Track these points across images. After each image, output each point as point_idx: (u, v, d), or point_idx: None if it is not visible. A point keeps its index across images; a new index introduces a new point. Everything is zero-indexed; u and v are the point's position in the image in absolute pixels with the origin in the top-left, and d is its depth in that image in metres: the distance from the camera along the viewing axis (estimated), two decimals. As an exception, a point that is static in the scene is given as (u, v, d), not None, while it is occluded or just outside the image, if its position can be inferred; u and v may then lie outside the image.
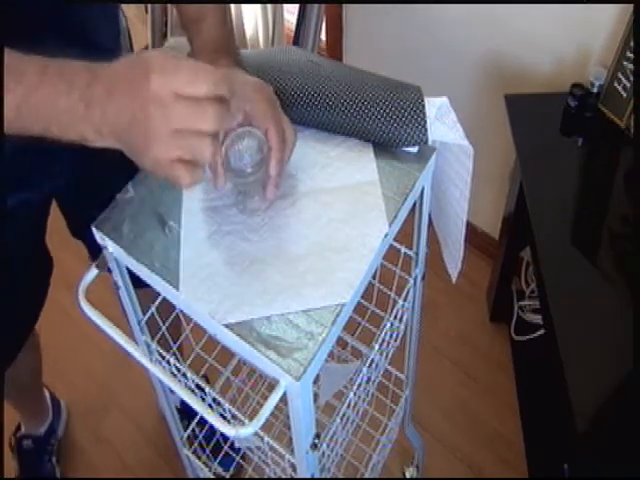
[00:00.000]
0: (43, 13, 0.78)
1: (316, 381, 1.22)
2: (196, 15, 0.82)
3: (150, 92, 0.54)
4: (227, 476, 1.44)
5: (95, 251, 0.80)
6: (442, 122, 0.83)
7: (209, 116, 0.55)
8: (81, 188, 1.04)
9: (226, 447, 1.40)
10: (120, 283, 0.84)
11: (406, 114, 0.81)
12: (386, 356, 1.00)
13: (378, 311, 1.04)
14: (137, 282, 0.82)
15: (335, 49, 1.95)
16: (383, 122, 0.81)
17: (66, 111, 0.56)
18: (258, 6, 1.99)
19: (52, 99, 0.56)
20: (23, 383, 1.45)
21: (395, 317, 0.95)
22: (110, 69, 0.57)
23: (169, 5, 2.29)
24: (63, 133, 0.58)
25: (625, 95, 1.26)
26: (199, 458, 1.30)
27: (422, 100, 0.82)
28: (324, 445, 0.89)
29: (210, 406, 0.75)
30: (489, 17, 1.48)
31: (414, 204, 0.86)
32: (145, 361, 0.79)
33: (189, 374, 0.84)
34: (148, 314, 0.88)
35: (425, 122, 0.81)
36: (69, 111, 0.56)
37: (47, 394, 1.67)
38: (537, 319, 1.69)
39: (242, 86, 0.72)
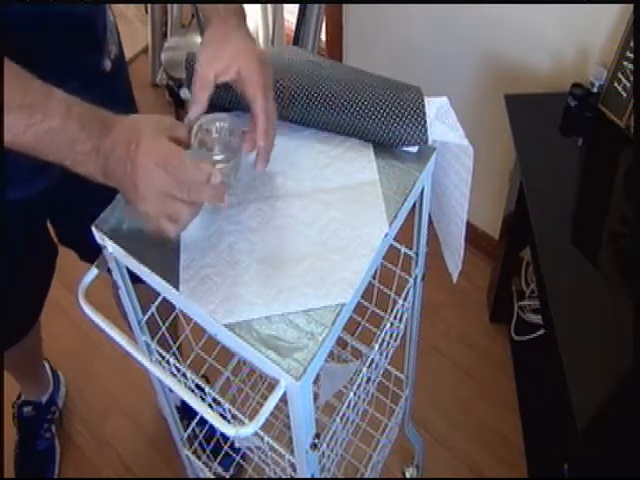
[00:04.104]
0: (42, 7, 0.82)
1: (316, 381, 1.22)
2: None
3: (138, 160, 0.64)
4: (227, 476, 1.44)
5: (85, 255, 0.81)
6: (442, 122, 0.83)
7: (185, 188, 0.64)
8: (74, 184, 1.05)
9: (226, 447, 1.40)
10: (120, 283, 0.84)
11: (406, 114, 0.81)
12: (386, 356, 1.00)
13: (378, 311, 1.04)
14: (135, 277, 0.82)
15: (335, 49, 1.95)
16: (383, 122, 0.81)
17: (80, 154, 0.66)
18: (258, 6, 1.99)
19: (71, 142, 0.66)
20: (23, 353, 1.48)
21: (395, 317, 0.95)
22: (119, 126, 0.67)
23: (169, 5, 2.29)
24: (74, 168, 0.68)
25: (625, 95, 1.26)
26: (199, 458, 1.30)
27: (422, 100, 0.82)
28: (324, 445, 0.89)
29: (210, 406, 0.75)
30: (489, 17, 1.48)
31: (414, 204, 0.86)
32: (145, 361, 0.79)
33: (189, 374, 0.84)
34: (148, 314, 0.88)
35: (425, 122, 0.81)
36: (82, 154, 0.66)
37: (47, 367, 1.71)
38: (537, 319, 1.69)
39: (241, 44, 0.76)
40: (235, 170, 0.75)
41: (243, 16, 0.82)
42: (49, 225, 1.20)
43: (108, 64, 0.99)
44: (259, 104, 0.74)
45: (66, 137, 0.66)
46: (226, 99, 0.85)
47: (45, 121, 0.65)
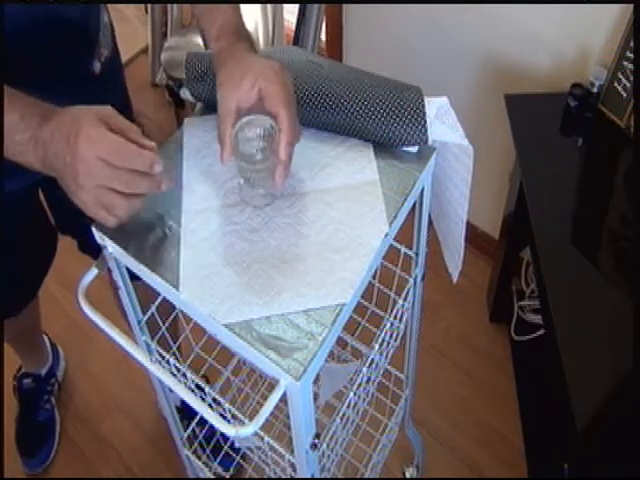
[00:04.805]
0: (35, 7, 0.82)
1: (316, 381, 1.22)
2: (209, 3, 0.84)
3: (77, 151, 0.64)
4: (227, 476, 1.45)
5: (84, 244, 0.81)
6: (442, 122, 0.83)
7: (123, 181, 0.65)
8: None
9: (226, 447, 1.40)
10: (120, 283, 0.84)
11: (406, 114, 0.81)
12: (386, 356, 1.00)
13: (378, 311, 1.04)
14: (135, 275, 0.82)
15: (335, 49, 1.95)
16: (383, 122, 0.81)
17: (19, 144, 0.68)
18: (258, 6, 1.99)
19: (11, 133, 0.68)
20: (21, 326, 1.50)
21: (395, 317, 0.95)
22: (58, 117, 0.67)
23: (169, 5, 2.29)
24: (14, 158, 0.69)
25: (625, 95, 1.26)
26: (199, 458, 1.29)
27: (422, 100, 0.82)
28: (324, 445, 0.89)
29: (210, 406, 0.75)
30: (489, 17, 1.48)
31: (414, 204, 0.86)
32: (145, 361, 0.79)
33: (189, 374, 0.84)
34: (148, 314, 0.88)
35: (425, 122, 0.81)
36: (21, 144, 0.68)
37: (47, 340, 1.73)
38: (537, 319, 1.69)
39: (260, 66, 0.75)
40: (265, 174, 0.75)
41: (253, 43, 0.82)
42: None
43: (97, 66, 0.99)
44: (282, 118, 0.73)
45: (6, 127, 0.67)
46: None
47: None
